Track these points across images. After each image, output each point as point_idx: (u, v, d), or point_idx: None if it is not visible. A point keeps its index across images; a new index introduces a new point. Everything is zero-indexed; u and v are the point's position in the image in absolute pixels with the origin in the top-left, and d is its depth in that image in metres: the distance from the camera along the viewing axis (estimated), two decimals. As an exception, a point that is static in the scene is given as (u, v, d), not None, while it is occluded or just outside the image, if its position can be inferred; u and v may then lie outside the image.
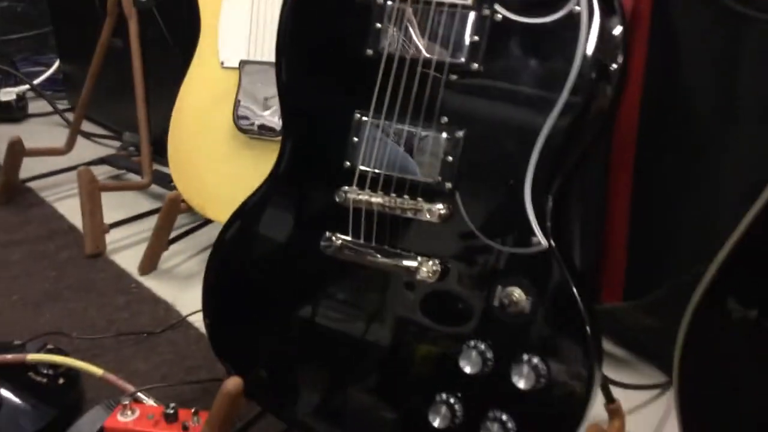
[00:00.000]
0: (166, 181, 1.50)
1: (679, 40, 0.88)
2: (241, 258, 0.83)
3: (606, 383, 0.92)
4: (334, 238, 0.76)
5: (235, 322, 0.85)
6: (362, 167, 0.74)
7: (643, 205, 0.99)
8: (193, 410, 0.92)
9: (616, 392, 0.95)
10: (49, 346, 1.04)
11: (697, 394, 0.68)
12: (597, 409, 0.92)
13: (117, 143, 1.89)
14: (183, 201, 1.25)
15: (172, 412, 0.91)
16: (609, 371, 1.03)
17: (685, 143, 0.93)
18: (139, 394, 0.95)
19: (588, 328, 0.67)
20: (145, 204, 1.58)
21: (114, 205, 1.47)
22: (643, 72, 0.91)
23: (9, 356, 0.98)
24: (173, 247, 1.38)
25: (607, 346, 1.12)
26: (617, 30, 0.66)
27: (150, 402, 0.96)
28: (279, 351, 0.82)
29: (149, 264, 1.35)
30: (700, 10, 0.85)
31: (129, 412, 0.92)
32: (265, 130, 1.10)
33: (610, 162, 0.98)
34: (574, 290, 0.67)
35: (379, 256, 0.74)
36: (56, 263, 1.37)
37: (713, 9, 0.83)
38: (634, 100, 0.93)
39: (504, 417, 0.68)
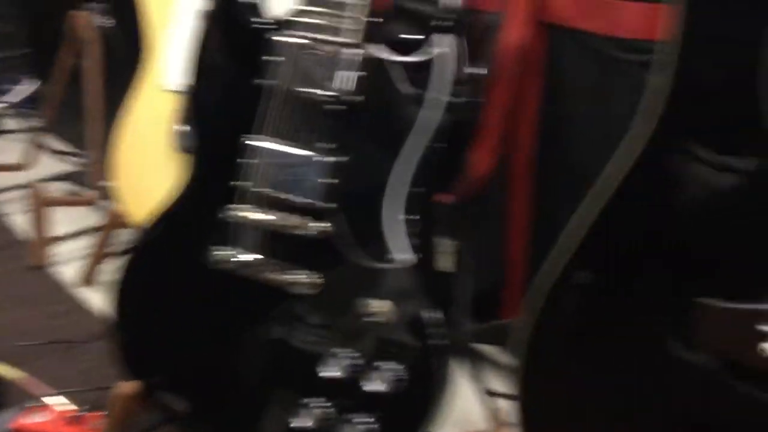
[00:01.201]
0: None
1: (564, 78, 0.95)
2: (144, 274, 0.89)
3: (493, 393, 0.97)
4: (222, 251, 0.81)
5: (138, 332, 0.90)
6: (251, 188, 0.80)
7: (542, 229, 1.04)
8: (103, 413, 0.96)
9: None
10: (-26, 352, 1.09)
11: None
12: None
13: (83, 160, 1.94)
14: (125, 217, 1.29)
15: (79, 415, 0.96)
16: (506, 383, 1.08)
17: (573, 168, 0.99)
18: (47, 398, 1.00)
19: (440, 340, 0.72)
20: (97, 220, 1.63)
21: (67, 221, 1.52)
22: (537, 106, 0.98)
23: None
24: (113, 262, 1.43)
25: (507, 359, 1.17)
26: (470, 71, 0.72)
27: (62, 405, 1.00)
28: (175, 356, 0.87)
29: (89, 277, 1.40)
30: (581, 54, 0.93)
31: (38, 415, 0.96)
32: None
33: (509, 183, 1.04)
34: (431, 304, 0.73)
35: (262, 268, 0.79)
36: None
37: (591, 53, 0.91)
38: (529, 128, 1.00)
39: (364, 417, 0.73)
